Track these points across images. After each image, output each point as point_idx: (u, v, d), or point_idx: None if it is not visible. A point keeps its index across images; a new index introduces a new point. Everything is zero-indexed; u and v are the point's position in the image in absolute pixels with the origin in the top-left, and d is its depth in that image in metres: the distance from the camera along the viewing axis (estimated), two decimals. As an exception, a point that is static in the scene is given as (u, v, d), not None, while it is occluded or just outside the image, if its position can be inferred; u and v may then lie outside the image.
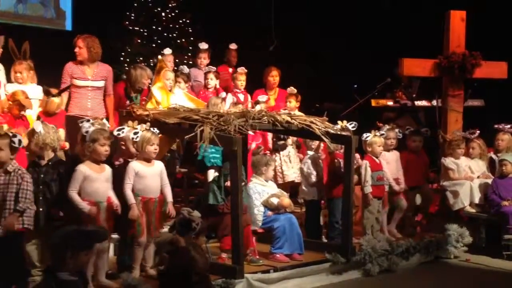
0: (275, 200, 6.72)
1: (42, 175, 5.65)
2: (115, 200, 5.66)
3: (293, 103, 8.44)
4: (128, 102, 7.41)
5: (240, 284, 5.85)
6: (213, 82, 8.46)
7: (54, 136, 5.75)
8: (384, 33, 11.59)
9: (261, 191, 6.75)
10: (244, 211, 6.25)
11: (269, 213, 6.71)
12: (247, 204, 6.47)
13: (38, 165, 5.69)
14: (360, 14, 11.89)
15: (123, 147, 6.08)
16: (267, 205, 6.72)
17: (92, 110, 7.19)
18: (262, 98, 8.24)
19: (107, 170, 5.69)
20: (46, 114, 6.73)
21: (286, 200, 6.79)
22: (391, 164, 7.70)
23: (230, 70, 9.22)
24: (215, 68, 8.73)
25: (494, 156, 8.40)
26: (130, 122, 5.99)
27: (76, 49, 7.22)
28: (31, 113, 6.87)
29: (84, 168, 5.55)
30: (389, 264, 6.99)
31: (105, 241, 5.43)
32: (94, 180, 5.56)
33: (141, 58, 11.17)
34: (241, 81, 8.63)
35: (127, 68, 8.64)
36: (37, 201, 5.57)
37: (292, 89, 8.52)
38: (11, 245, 5.28)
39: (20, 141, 5.46)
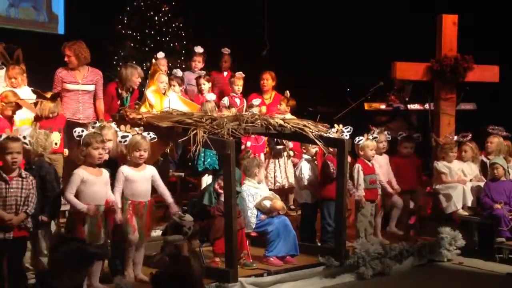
0: (267, 203, 6.71)
1: None
2: (112, 198, 5.64)
3: (283, 106, 8.44)
4: (119, 102, 7.40)
5: (233, 288, 5.85)
6: (207, 86, 8.46)
7: (43, 142, 5.74)
8: (378, 36, 11.60)
9: (254, 193, 6.73)
10: (238, 214, 6.25)
11: (262, 216, 6.68)
12: (241, 207, 6.47)
13: (28, 170, 5.65)
14: (353, 17, 11.90)
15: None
16: (259, 207, 6.70)
17: (84, 114, 7.21)
18: (256, 101, 8.24)
19: (105, 173, 5.66)
20: (40, 118, 6.68)
21: (279, 203, 6.78)
22: (383, 167, 7.75)
23: (225, 74, 9.22)
24: (204, 72, 8.72)
25: (485, 159, 8.43)
26: (122, 126, 5.98)
27: (66, 58, 7.23)
28: (27, 116, 6.84)
29: (82, 172, 5.53)
30: (382, 267, 6.99)
31: None
32: (93, 183, 5.53)
33: (134, 62, 11.14)
34: (238, 85, 8.64)
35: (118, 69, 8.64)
36: None
37: (286, 93, 8.53)
38: (20, 248, 5.36)
39: (31, 142, 5.55)
